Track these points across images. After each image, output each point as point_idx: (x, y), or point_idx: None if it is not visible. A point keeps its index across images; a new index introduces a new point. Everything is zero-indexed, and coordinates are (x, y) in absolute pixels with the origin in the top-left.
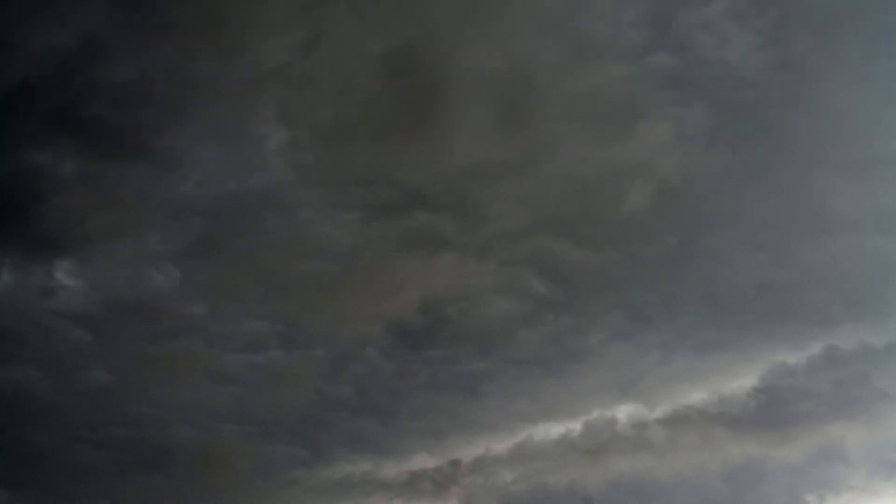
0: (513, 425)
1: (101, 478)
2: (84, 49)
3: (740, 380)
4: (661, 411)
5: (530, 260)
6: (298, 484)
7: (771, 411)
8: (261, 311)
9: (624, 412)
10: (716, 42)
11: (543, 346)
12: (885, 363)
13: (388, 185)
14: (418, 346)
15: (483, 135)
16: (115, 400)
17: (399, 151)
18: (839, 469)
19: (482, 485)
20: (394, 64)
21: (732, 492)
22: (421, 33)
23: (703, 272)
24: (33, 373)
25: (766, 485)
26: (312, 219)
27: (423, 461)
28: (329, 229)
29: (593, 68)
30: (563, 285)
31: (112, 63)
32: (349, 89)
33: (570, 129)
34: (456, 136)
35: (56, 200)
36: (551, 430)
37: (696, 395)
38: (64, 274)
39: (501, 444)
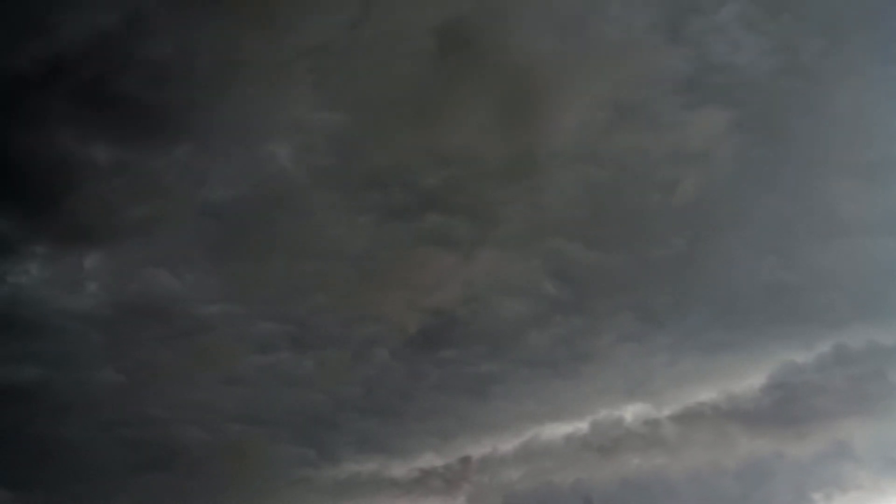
0: (520, 425)
1: (109, 477)
2: (124, 24)
3: (749, 379)
4: (668, 410)
5: (542, 261)
6: (304, 483)
7: (779, 409)
8: (272, 312)
9: (631, 411)
10: (727, 47)
11: (553, 347)
12: (894, 362)
13: (402, 187)
14: (429, 348)
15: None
16: (124, 400)
17: (426, 141)
18: (847, 467)
19: (488, 483)
20: (445, 41)
21: (740, 489)
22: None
23: (711, 274)
24: (46, 371)
25: (773, 482)
26: (326, 221)
27: (430, 460)
28: (342, 231)
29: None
30: (573, 286)
31: (151, 39)
32: (397, 66)
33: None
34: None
35: (88, 190)
36: (558, 430)
37: (705, 395)
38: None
39: (508, 444)
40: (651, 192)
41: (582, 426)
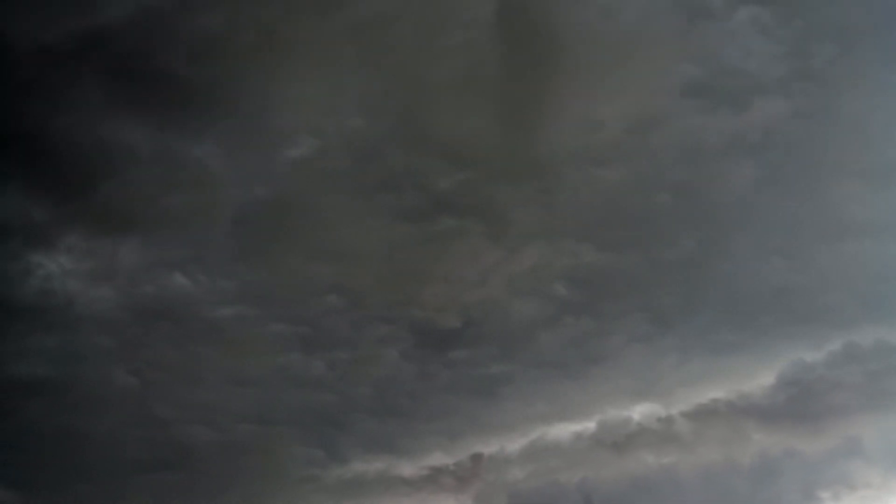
0: (528, 425)
1: (118, 477)
2: None
3: (758, 379)
4: (676, 410)
5: (553, 263)
6: (312, 482)
7: (789, 408)
8: (284, 314)
9: (639, 411)
10: (739, 52)
11: (563, 348)
12: None
13: (415, 190)
14: (439, 349)
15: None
16: (136, 401)
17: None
18: (856, 465)
19: (494, 481)
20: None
21: (748, 488)
22: None
23: (720, 275)
24: (61, 368)
25: (782, 481)
26: (339, 223)
27: (438, 460)
28: (355, 234)
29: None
30: (584, 288)
31: (196, 13)
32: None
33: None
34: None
35: (125, 177)
36: (566, 429)
37: (714, 395)
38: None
39: (515, 443)
40: (661, 194)
41: (590, 425)
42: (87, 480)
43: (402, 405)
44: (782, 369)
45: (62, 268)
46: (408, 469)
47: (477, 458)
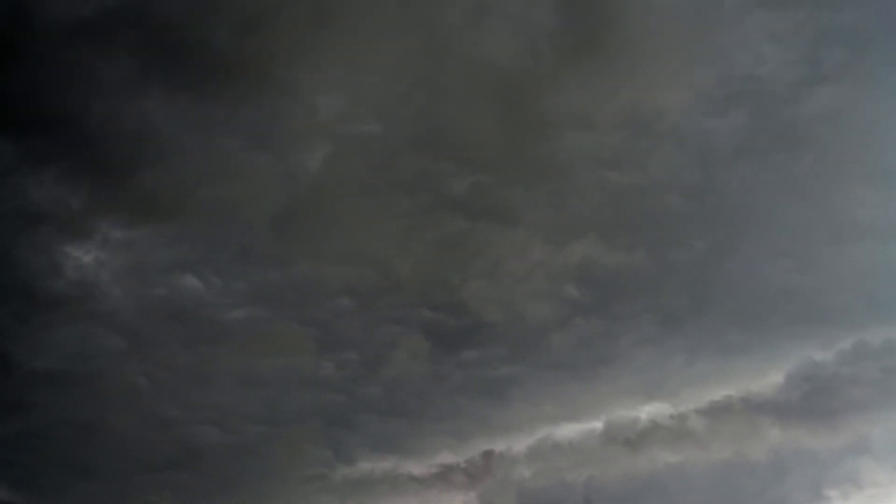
0: (536, 426)
1: (126, 475)
2: None
3: (766, 379)
4: (684, 410)
5: (565, 264)
6: (319, 482)
7: (798, 406)
8: (295, 315)
9: (646, 411)
10: (751, 58)
11: (573, 349)
12: None
13: (429, 192)
14: (450, 350)
15: None
16: (147, 402)
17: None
18: (865, 463)
19: (502, 480)
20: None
21: (755, 486)
22: None
23: (730, 277)
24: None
25: (790, 479)
26: (352, 226)
27: (444, 459)
28: (368, 236)
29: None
30: (595, 289)
31: None
32: None
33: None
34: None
35: (164, 163)
36: (573, 429)
37: (722, 394)
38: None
39: (522, 443)
40: (672, 196)
41: (597, 425)
42: (94, 479)
43: (411, 405)
44: (791, 368)
45: (97, 260)
46: (414, 469)
47: (488, 455)
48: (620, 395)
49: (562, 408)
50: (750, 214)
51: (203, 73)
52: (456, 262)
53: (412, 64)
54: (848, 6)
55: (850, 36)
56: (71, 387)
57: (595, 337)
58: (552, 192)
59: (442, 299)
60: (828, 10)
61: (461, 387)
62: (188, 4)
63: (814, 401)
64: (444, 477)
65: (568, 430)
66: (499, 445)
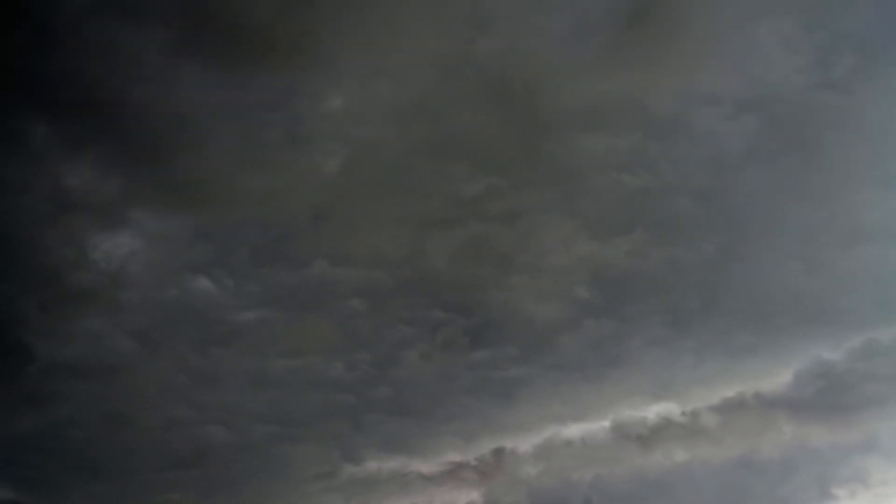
0: (544, 426)
1: (134, 474)
2: None
3: (775, 379)
4: (691, 409)
5: (576, 266)
6: (327, 480)
7: (807, 405)
8: (307, 317)
9: (654, 411)
10: (762, 63)
11: (583, 351)
12: None
13: (442, 195)
14: (459, 351)
15: None
16: (157, 403)
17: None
18: (872, 462)
19: (509, 479)
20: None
21: (763, 485)
22: None
23: (739, 279)
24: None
25: (798, 478)
26: (366, 229)
27: (452, 459)
28: (381, 239)
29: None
30: (605, 291)
31: None
32: None
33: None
34: None
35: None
36: (580, 429)
37: (729, 394)
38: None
39: (529, 443)
40: (683, 199)
41: (604, 424)
42: (102, 478)
43: (420, 406)
44: (800, 367)
45: (131, 252)
46: (424, 466)
47: (498, 452)
48: (629, 395)
49: (570, 408)
50: (759, 217)
51: (241, 52)
52: (468, 263)
53: (426, 69)
54: (857, 13)
55: (860, 42)
56: (89, 382)
57: (605, 338)
58: (565, 195)
59: (454, 300)
60: (837, 17)
61: (471, 387)
62: None
63: (823, 398)
64: (452, 474)
65: (576, 430)
66: (507, 444)
